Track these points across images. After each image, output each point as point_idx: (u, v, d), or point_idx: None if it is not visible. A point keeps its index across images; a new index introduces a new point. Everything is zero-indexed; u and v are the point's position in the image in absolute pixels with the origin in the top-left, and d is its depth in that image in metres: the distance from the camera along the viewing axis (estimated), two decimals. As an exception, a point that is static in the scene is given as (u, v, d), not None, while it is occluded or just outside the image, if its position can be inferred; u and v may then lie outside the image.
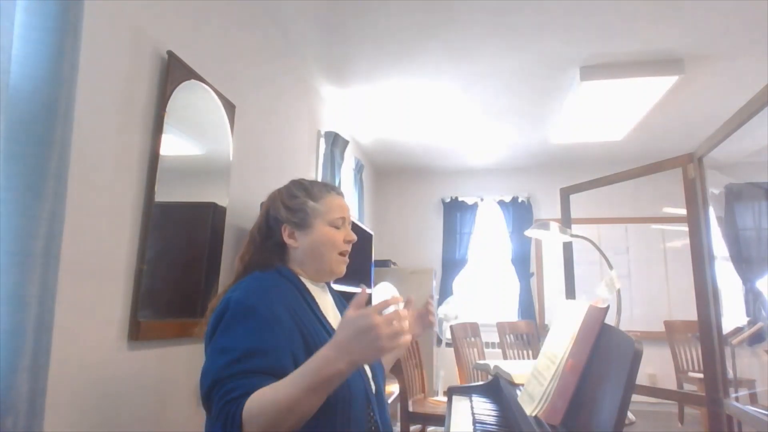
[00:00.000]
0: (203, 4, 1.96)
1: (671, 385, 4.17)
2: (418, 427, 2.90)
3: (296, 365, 0.91)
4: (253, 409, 0.80)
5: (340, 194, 1.21)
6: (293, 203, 1.15)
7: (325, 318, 1.10)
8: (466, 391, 1.87)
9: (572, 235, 2.41)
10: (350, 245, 1.18)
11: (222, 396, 0.85)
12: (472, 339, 3.39)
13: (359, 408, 1.01)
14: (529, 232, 2.49)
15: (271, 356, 0.91)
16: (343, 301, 1.29)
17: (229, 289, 1.07)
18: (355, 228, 3.30)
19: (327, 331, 1.07)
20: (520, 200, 5.34)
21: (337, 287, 2.80)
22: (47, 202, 1.00)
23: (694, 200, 1.94)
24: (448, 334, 3.92)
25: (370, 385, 1.10)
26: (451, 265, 5.29)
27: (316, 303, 1.12)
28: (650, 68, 3.02)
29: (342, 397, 0.97)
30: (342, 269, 1.18)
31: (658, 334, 4.24)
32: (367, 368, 1.12)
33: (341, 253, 1.16)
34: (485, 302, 5.25)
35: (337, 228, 1.15)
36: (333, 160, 3.36)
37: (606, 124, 3.97)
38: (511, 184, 5.44)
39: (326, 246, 1.14)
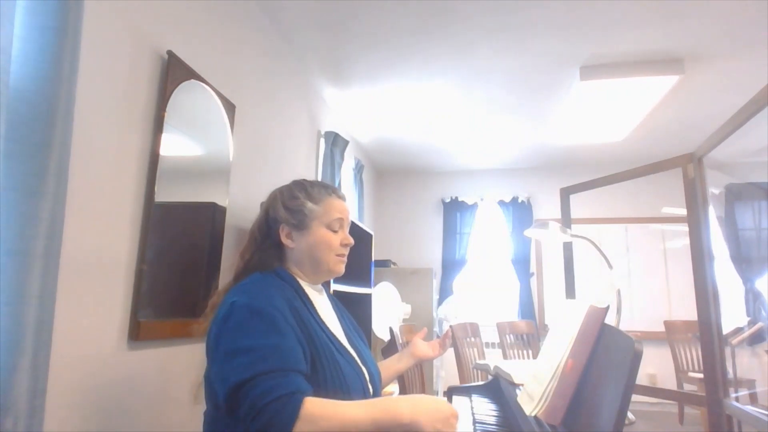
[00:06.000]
0: (203, 4, 1.96)
1: (671, 385, 4.17)
2: (418, 427, 2.89)
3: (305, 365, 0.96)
4: (315, 411, 0.85)
5: (341, 197, 1.21)
6: (292, 204, 1.15)
7: (321, 321, 1.10)
8: (466, 391, 1.87)
9: (572, 235, 2.41)
10: (347, 248, 1.18)
11: (264, 393, 0.85)
12: (472, 339, 3.38)
13: None
14: (529, 232, 2.49)
15: (291, 355, 0.93)
16: (339, 304, 1.29)
17: (230, 289, 1.07)
18: (355, 228, 3.31)
19: (325, 333, 1.07)
20: (520, 200, 5.34)
21: (337, 287, 2.80)
22: (47, 202, 1.00)
23: (694, 200, 1.94)
24: (448, 334, 3.91)
25: (368, 387, 1.09)
26: (451, 265, 5.28)
27: (313, 306, 1.12)
28: (650, 68, 3.02)
29: (341, 398, 0.96)
30: (341, 268, 1.18)
31: (658, 334, 4.24)
32: (364, 370, 1.12)
33: (338, 255, 1.17)
34: (485, 302, 5.24)
35: (335, 231, 1.16)
36: (333, 160, 3.36)
37: (606, 125, 3.97)
38: (511, 184, 5.44)
39: (322, 249, 1.14)
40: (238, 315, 0.96)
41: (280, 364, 0.90)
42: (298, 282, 1.13)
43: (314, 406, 0.86)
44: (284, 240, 1.14)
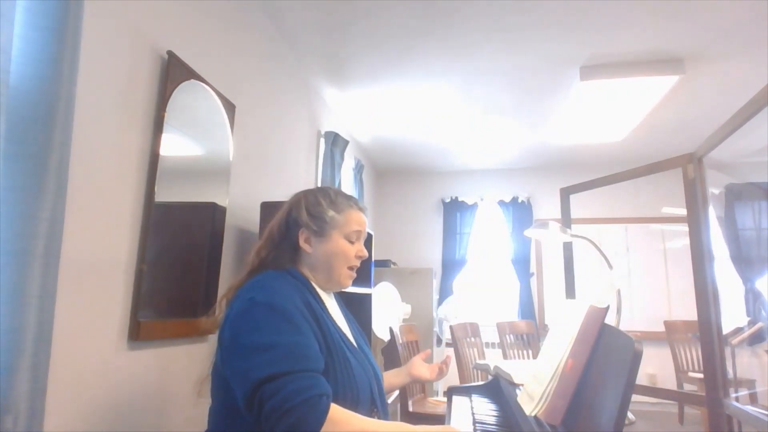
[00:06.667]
0: (203, 4, 1.96)
1: (671, 385, 4.16)
2: (418, 427, 2.89)
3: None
4: (339, 416, 0.90)
5: (362, 209, 1.23)
6: (315, 210, 1.16)
7: (333, 321, 1.11)
8: (466, 391, 1.87)
9: (572, 235, 2.41)
10: (360, 261, 1.20)
11: (295, 392, 0.86)
12: (472, 339, 3.39)
13: (364, 408, 1.03)
14: (529, 232, 2.49)
15: (314, 356, 0.95)
16: (344, 306, 1.30)
17: (244, 284, 1.07)
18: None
19: (338, 332, 1.08)
20: (520, 200, 5.33)
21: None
22: (47, 202, 1.00)
23: (694, 200, 1.94)
24: (448, 334, 3.92)
25: (374, 387, 1.11)
26: (451, 265, 5.28)
27: (325, 306, 1.13)
28: (650, 68, 3.02)
29: (350, 396, 0.98)
30: (348, 283, 1.20)
31: (658, 334, 4.23)
32: (371, 370, 1.14)
33: (350, 267, 1.18)
34: (485, 302, 5.24)
35: (352, 242, 1.17)
36: (333, 160, 3.36)
37: (606, 125, 3.96)
38: (511, 184, 5.44)
39: (338, 258, 1.15)
40: (257, 311, 0.96)
41: (306, 365, 0.91)
42: (310, 283, 1.15)
43: (338, 410, 0.90)
44: (302, 244, 1.15)
